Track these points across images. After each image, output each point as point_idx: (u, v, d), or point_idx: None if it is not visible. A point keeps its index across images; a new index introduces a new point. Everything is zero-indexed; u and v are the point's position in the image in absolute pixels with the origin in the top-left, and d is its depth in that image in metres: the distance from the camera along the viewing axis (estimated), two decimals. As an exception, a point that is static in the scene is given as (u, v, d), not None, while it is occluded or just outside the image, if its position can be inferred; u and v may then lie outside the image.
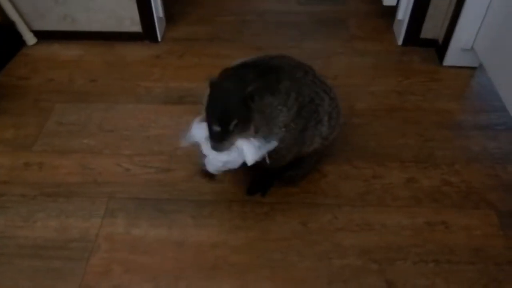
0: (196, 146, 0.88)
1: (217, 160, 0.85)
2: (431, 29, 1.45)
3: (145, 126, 1.21)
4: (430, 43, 1.47)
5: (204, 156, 0.87)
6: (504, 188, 1.06)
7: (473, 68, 1.40)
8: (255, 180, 1.04)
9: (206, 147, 0.85)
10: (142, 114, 1.25)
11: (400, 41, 1.50)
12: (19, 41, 1.49)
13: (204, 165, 0.89)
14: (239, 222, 0.99)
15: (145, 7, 1.43)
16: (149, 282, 0.89)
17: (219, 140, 0.81)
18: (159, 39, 1.51)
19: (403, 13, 1.45)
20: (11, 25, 1.45)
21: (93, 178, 1.08)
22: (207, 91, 0.86)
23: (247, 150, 0.83)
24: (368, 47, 1.51)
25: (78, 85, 1.36)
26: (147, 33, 1.49)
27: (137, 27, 1.48)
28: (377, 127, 1.21)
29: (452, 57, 1.39)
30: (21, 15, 1.45)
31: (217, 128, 0.80)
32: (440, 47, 1.43)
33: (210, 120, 0.82)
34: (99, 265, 0.92)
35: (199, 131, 0.86)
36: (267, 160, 0.87)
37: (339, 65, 1.44)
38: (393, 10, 1.53)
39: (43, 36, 1.51)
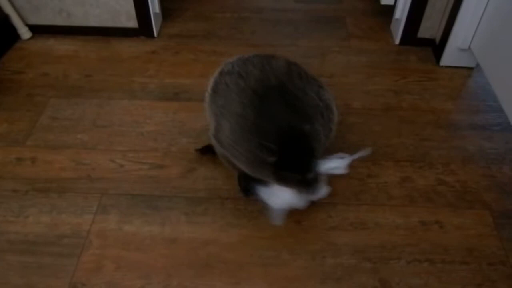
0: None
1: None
2: (429, 28, 1.44)
3: (139, 122, 1.20)
4: (427, 42, 1.47)
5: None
6: (499, 188, 1.06)
7: (470, 68, 1.40)
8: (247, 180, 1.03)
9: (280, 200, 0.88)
10: (136, 110, 1.24)
11: (397, 40, 1.50)
12: (14, 35, 1.48)
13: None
14: (232, 220, 0.98)
15: (141, 2, 1.42)
16: (141, 279, 0.88)
17: (315, 183, 0.85)
18: (155, 34, 1.51)
19: (401, 13, 1.45)
20: (5, 19, 1.44)
21: (86, 173, 1.07)
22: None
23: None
24: (364, 46, 1.50)
25: (73, 80, 1.35)
26: (143, 29, 1.48)
27: (133, 23, 1.47)
28: (373, 126, 1.21)
29: (449, 57, 1.39)
30: (16, 9, 1.44)
31: (310, 175, 0.83)
32: (437, 47, 1.43)
33: (298, 171, 0.83)
34: (90, 262, 0.91)
35: (280, 197, 0.88)
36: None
37: (335, 63, 1.43)
38: (390, 9, 1.53)
39: (38, 30, 1.50)
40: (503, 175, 1.09)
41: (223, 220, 0.98)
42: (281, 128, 0.82)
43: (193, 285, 0.87)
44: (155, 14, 1.47)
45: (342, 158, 0.92)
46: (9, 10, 1.42)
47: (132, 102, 1.27)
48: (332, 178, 1.06)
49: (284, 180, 0.84)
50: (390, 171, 1.09)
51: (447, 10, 1.37)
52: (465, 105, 1.29)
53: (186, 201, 1.01)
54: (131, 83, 1.33)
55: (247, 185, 0.99)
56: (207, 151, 1.07)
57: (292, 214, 0.99)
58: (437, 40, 1.44)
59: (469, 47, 1.34)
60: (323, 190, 0.89)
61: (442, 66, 1.41)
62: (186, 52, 1.46)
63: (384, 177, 1.08)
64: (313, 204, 0.97)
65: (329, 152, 0.92)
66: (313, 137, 0.84)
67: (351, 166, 1.09)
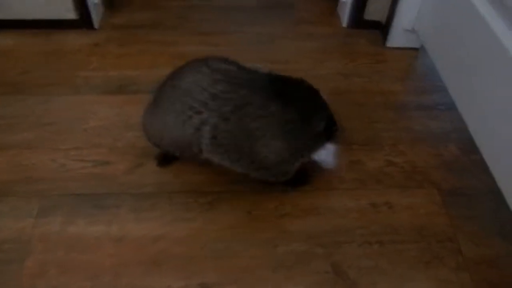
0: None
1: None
2: (375, 10, 1.45)
3: (83, 118, 1.15)
4: (375, 25, 1.48)
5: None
6: (446, 166, 1.08)
7: (417, 49, 1.42)
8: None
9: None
10: (80, 106, 1.19)
11: (344, 24, 1.50)
12: None
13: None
14: (182, 214, 0.96)
15: (78, -8, 1.35)
16: (88, 281, 0.85)
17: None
18: (96, 26, 1.44)
19: (347, -5, 1.45)
20: None
21: (27, 175, 1.02)
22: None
23: None
24: (314, 30, 1.50)
25: (11, 76, 1.27)
26: (84, 20, 1.41)
27: (72, 14, 1.40)
28: (323, 110, 1.20)
29: (396, 39, 1.40)
30: None
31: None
32: (383, 29, 1.44)
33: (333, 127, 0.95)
34: (34, 267, 0.86)
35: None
36: None
37: (286, 49, 1.42)
38: (338, -8, 1.52)
39: (-30, 25, 1.41)
40: (450, 153, 1.11)
41: (172, 215, 0.95)
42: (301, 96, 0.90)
43: (143, 283, 0.85)
44: (94, 4, 1.41)
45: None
46: None
47: (75, 97, 1.21)
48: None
49: (332, 137, 0.95)
50: (342, 154, 1.09)
51: (391, -9, 1.37)
52: (412, 86, 1.31)
53: (133, 198, 0.98)
54: (74, 78, 1.27)
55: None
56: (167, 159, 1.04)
57: (242, 204, 0.98)
58: (383, 22, 1.44)
59: (413, 28, 1.35)
60: None
61: (389, 47, 1.42)
62: (132, 43, 1.41)
63: (335, 161, 1.08)
64: (264, 193, 0.97)
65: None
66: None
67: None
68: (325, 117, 0.90)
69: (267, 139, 0.85)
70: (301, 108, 0.87)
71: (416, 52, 1.42)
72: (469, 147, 1.09)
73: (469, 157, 1.09)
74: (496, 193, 0.94)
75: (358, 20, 1.47)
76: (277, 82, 0.89)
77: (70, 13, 1.40)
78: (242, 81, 0.87)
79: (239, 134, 0.85)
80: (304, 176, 1.02)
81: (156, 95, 0.93)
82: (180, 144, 0.90)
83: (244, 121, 0.84)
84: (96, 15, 1.43)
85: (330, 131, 0.93)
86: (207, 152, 0.88)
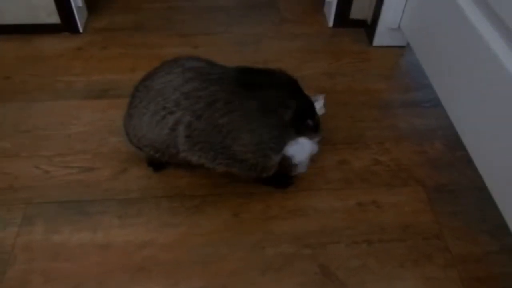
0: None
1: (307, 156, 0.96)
2: (360, 9, 1.45)
3: (65, 124, 1.13)
4: (360, 23, 1.48)
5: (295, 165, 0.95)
6: (431, 164, 1.08)
7: (402, 47, 1.42)
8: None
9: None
10: (62, 111, 1.17)
11: (330, 23, 1.50)
12: None
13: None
14: (168, 219, 0.95)
15: (61, -4, 1.33)
16: (72, 290, 0.84)
17: (319, 124, 0.96)
18: (81, 30, 1.42)
19: (331, -6, 1.45)
20: None
21: (9, 183, 1.00)
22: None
23: None
24: (299, 30, 1.49)
25: (-10, 83, 1.25)
26: (66, 24, 1.39)
27: (54, 18, 1.38)
28: (309, 110, 1.20)
29: (381, 37, 1.40)
30: None
31: (316, 117, 0.95)
32: (369, 28, 1.44)
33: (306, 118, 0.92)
34: (16, 278, 0.85)
35: (301, 150, 0.94)
36: None
37: (270, 49, 1.41)
38: (322, -9, 1.52)
39: None
40: (435, 150, 1.11)
41: (158, 220, 0.94)
42: (275, 84, 0.89)
43: (129, 290, 0.84)
44: (78, 8, 1.39)
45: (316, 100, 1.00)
46: None
47: (57, 102, 1.19)
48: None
49: (303, 129, 0.91)
50: (327, 155, 1.09)
51: (375, -10, 1.38)
52: (397, 84, 1.31)
53: (118, 204, 0.97)
54: (56, 83, 1.25)
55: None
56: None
57: (229, 207, 0.97)
58: (369, 21, 1.45)
59: (399, 26, 1.35)
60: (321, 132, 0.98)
61: (375, 46, 1.42)
62: (115, 46, 1.39)
63: (321, 161, 1.07)
64: (250, 195, 0.96)
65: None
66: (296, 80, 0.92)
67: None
68: (292, 105, 0.87)
69: (234, 133, 0.85)
70: (267, 98, 0.86)
71: (401, 50, 1.42)
72: (454, 144, 1.10)
73: (454, 154, 1.10)
74: (481, 189, 0.95)
75: (344, 19, 1.47)
76: (246, 75, 0.89)
77: (52, 17, 1.37)
78: (213, 77, 0.87)
79: (211, 131, 0.85)
80: (287, 178, 1.01)
81: (132, 98, 0.93)
82: (158, 145, 0.90)
83: (214, 118, 0.84)
84: (80, 18, 1.41)
85: (300, 123, 0.91)
86: (184, 152, 0.88)
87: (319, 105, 1.00)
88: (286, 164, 0.94)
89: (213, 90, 0.85)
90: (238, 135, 0.85)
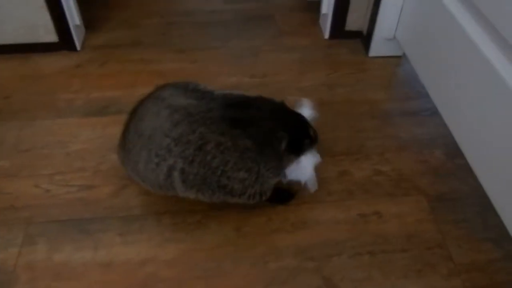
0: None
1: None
2: (355, 21, 1.46)
3: (65, 142, 1.13)
4: (356, 34, 1.49)
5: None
6: (432, 172, 1.08)
7: (399, 57, 1.43)
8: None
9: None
10: (61, 129, 1.17)
11: (326, 35, 1.51)
12: None
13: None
14: (170, 235, 0.94)
15: (59, 15, 1.34)
16: (75, 310, 0.83)
17: (317, 136, 0.96)
18: (78, 47, 1.43)
19: (327, 7, 1.46)
20: None
21: (9, 203, 1.00)
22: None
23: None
24: (295, 42, 1.50)
25: (-11, 103, 1.25)
26: (64, 42, 1.40)
27: (52, 37, 1.39)
28: (308, 122, 1.20)
29: (377, 48, 1.41)
30: None
31: (311, 131, 0.95)
32: (365, 38, 1.45)
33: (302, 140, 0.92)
34: (18, 298, 0.84)
35: (305, 168, 0.95)
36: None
37: (268, 62, 1.42)
38: (317, 4, 1.53)
39: None
40: (435, 159, 1.12)
41: (160, 236, 0.94)
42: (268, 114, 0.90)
43: (132, 309, 0.83)
44: (75, 26, 1.40)
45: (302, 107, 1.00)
46: None
47: (57, 121, 1.20)
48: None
49: (302, 151, 0.92)
50: (328, 166, 1.09)
51: (370, 1, 1.39)
52: (396, 93, 1.32)
53: (119, 221, 0.96)
54: (55, 101, 1.26)
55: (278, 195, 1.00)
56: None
57: (231, 221, 0.97)
58: (364, 32, 1.46)
59: (394, 36, 1.36)
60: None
61: (371, 56, 1.43)
62: (113, 62, 1.40)
63: (322, 173, 1.07)
64: (253, 208, 0.96)
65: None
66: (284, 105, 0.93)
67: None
68: (285, 137, 0.87)
69: (229, 172, 0.85)
70: (259, 134, 0.86)
71: (398, 59, 1.43)
72: (455, 152, 1.10)
73: (454, 162, 1.10)
74: (483, 196, 0.94)
75: (339, 30, 1.48)
76: (231, 111, 0.88)
77: (50, 36, 1.38)
78: (200, 117, 0.86)
79: (205, 173, 0.85)
80: (287, 192, 1.01)
81: (124, 136, 0.93)
82: (158, 188, 0.91)
83: (206, 161, 0.84)
84: (77, 36, 1.42)
85: (298, 147, 0.92)
86: (182, 193, 0.89)
87: (307, 112, 0.98)
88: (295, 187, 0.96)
89: (202, 132, 0.84)
90: (233, 174, 0.86)
